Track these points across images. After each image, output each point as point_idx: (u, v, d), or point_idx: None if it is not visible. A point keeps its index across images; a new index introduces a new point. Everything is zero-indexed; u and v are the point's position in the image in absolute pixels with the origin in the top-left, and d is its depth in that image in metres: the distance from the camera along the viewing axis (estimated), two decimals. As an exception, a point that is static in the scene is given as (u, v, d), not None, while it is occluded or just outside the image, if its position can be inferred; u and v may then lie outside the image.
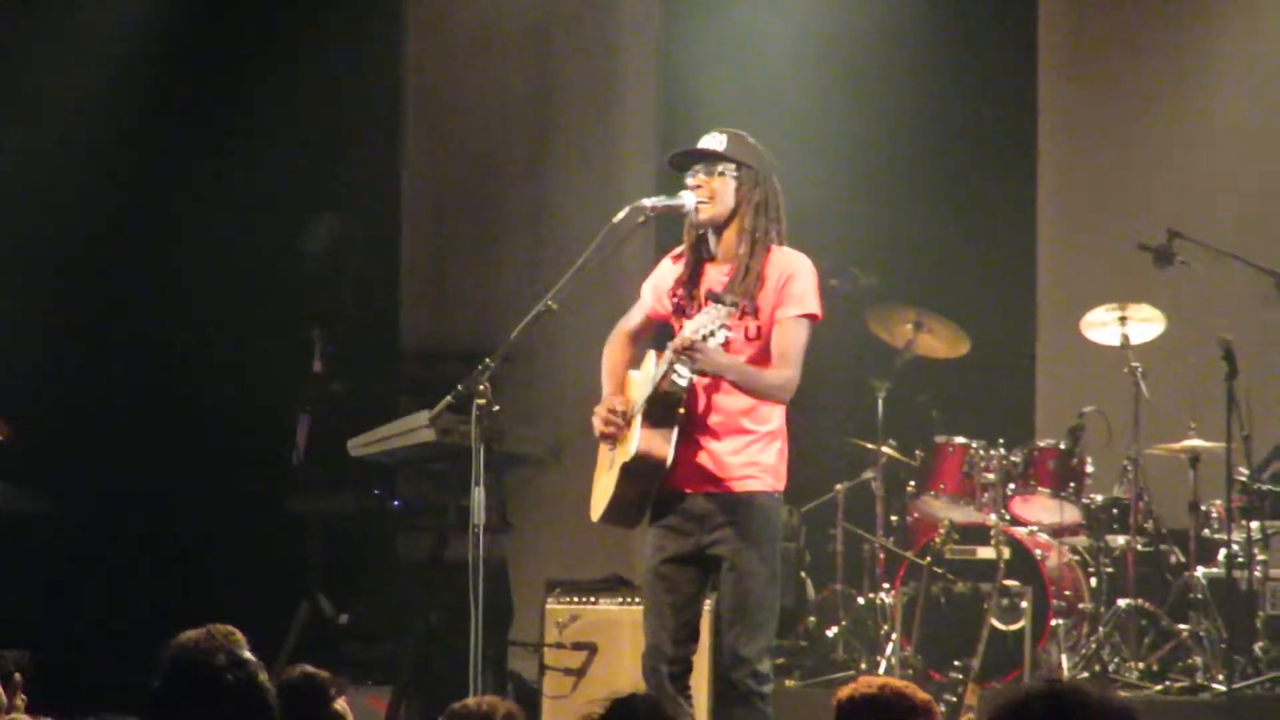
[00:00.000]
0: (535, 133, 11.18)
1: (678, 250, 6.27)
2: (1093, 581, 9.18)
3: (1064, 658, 8.87)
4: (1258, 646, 8.80)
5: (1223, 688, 8.48)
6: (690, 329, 5.77)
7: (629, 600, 8.11)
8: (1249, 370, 8.88)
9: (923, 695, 4.24)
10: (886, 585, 9.36)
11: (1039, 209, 10.86)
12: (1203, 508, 9.16)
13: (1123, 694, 8.21)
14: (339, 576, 9.64)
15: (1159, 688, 8.71)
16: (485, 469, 6.08)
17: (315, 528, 9.66)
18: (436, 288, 11.23)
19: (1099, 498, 9.30)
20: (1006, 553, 8.65)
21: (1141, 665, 8.83)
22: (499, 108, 11.19)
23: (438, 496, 9.07)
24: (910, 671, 8.71)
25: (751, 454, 6.06)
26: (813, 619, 9.60)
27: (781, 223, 6.16)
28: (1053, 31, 10.91)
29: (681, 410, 6.02)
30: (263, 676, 3.64)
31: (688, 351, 5.77)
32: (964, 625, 8.71)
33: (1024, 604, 8.80)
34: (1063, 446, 9.28)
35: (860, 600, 9.51)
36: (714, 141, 6.17)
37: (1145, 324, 9.35)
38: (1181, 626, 8.96)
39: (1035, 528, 9.31)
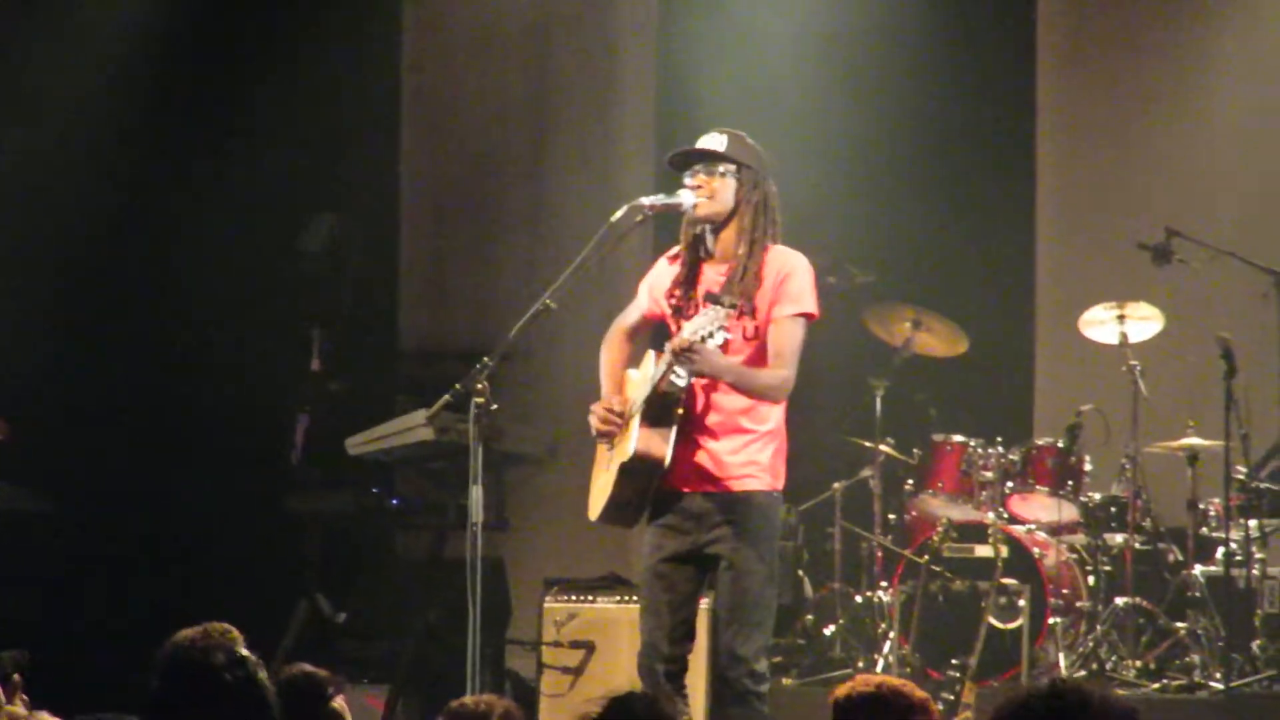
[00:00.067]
0: (534, 132, 11.19)
1: (674, 250, 6.28)
2: (1091, 580, 9.18)
3: (1062, 656, 8.87)
4: (1255, 644, 8.81)
5: (1220, 686, 8.49)
6: (689, 330, 5.78)
7: (627, 599, 8.12)
8: (1247, 369, 8.89)
9: (920, 693, 4.25)
10: (884, 584, 9.37)
11: (1038, 207, 10.86)
12: (1201, 506, 9.16)
13: (1121, 692, 8.22)
14: (337, 575, 9.64)
15: (1157, 686, 8.71)
16: (483, 468, 6.09)
17: (313, 526, 9.66)
18: (435, 287, 11.24)
19: (1097, 496, 9.30)
20: (1004, 551, 8.65)
21: (1139, 663, 8.83)
22: (498, 107, 11.20)
23: (436, 495, 9.08)
24: (908, 670, 8.71)
25: (750, 453, 6.07)
26: (810, 617, 9.61)
27: (777, 224, 6.17)
28: (1052, 31, 10.91)
29: (680, 410, 6.03)
30: (262, 675, 3.65)
31: (685, 353, 5.78)
32: (962, 623, 8.71)
33: (1022, 602, 8.80)
34: (1061, 445, 9.29)
35: (858, 598, 9.51)
36: (714, 141, 6.18)
37: (1144, 322, 9.36)
38: (1179, 625, 8.97)
39: (1033, 526, 9.31)
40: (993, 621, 8.69)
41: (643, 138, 11.02)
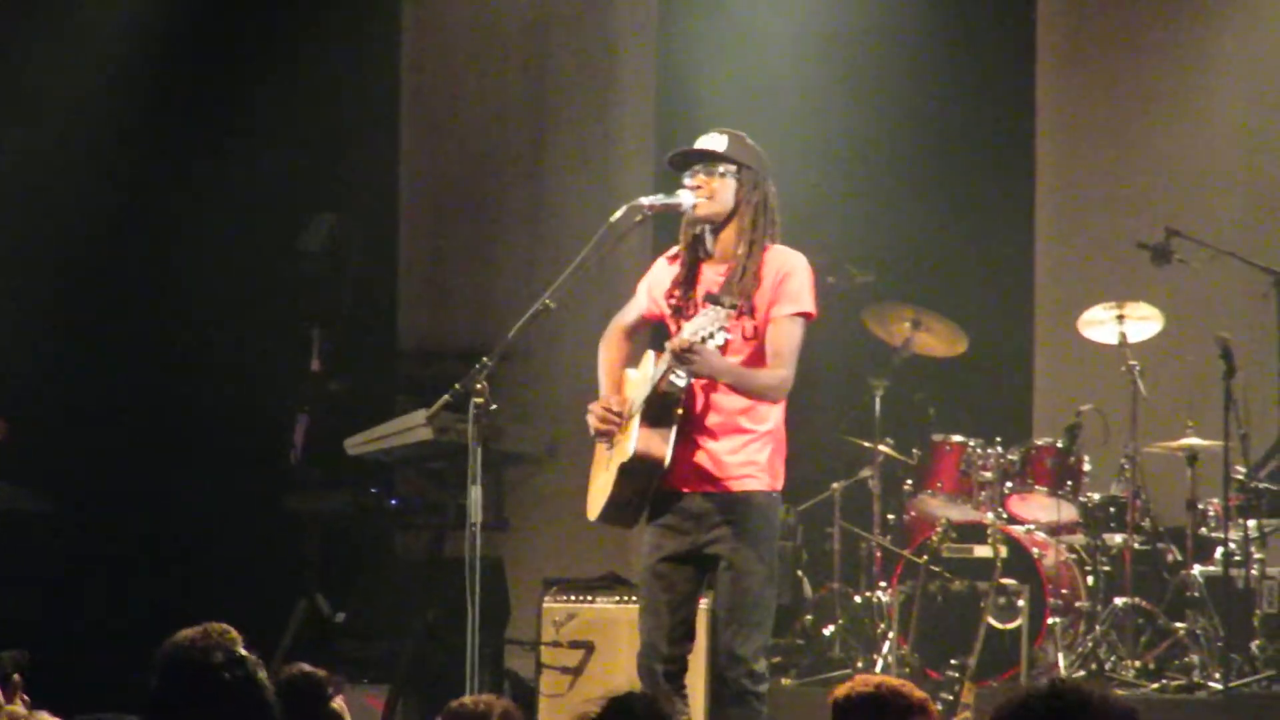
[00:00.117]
0: (534, 132, 11.19)
1: (673, 251, 6.28)
2: (1090, 580, 9.18)
3: (1061, 656, 8.88)
4: (1254, 645, 8.81)
5: (1220, 686, 8.50)
6: (689, 331, 5.78)
7: (626, 599, 8.11)
8: (1246, 368, 8.89)
9: (919, 694, 4.25)
10: (883, 584, 9.37)
11: (1037, 207, 10.86)
12: (1200, 506, 9.17)
13: (1120, 692, 8.22)
14: (336, 575, 9.65)
15: (1156, 686, 8.71)
16: (483, 467, 6.09)
17: (313, 526, 9.66)
18: (435, 287, 11.24)
19: (1096, 496, 9.30)
20: (1004, 551, 8.65)
21: (1138, 663, 8.84)
22: (498, 107, 11.20)
23: (435, 495, 9.08)
24: (907, 670, 8.71)
25: (749, 453, 6.07)
26: (809, 617, 9.61)
27: (777, 224, 6.18)
28: (1051, 31, 10.91)
29: (680, 411, 6.03)
30: (261, 674, 3.65)
31: (685, 354, 5.78)
32: (961, 624, 8.72)
33: (1021, 602, 8.80)
34: (1060, 445, 9.29)
35: (857, 599, 9.51)
36: (714, 142, 6.19)
37: (1143, 322, 9.36)
38: (1178, 625, 8.97)
39: (1032, 526, 9.31)
40: (992, 622, 8.69)
41: (642, 137, 11.02)
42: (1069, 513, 9.33)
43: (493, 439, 6.89)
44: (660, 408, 6.00)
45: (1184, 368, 9.76)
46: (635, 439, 5.99)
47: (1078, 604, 9.09)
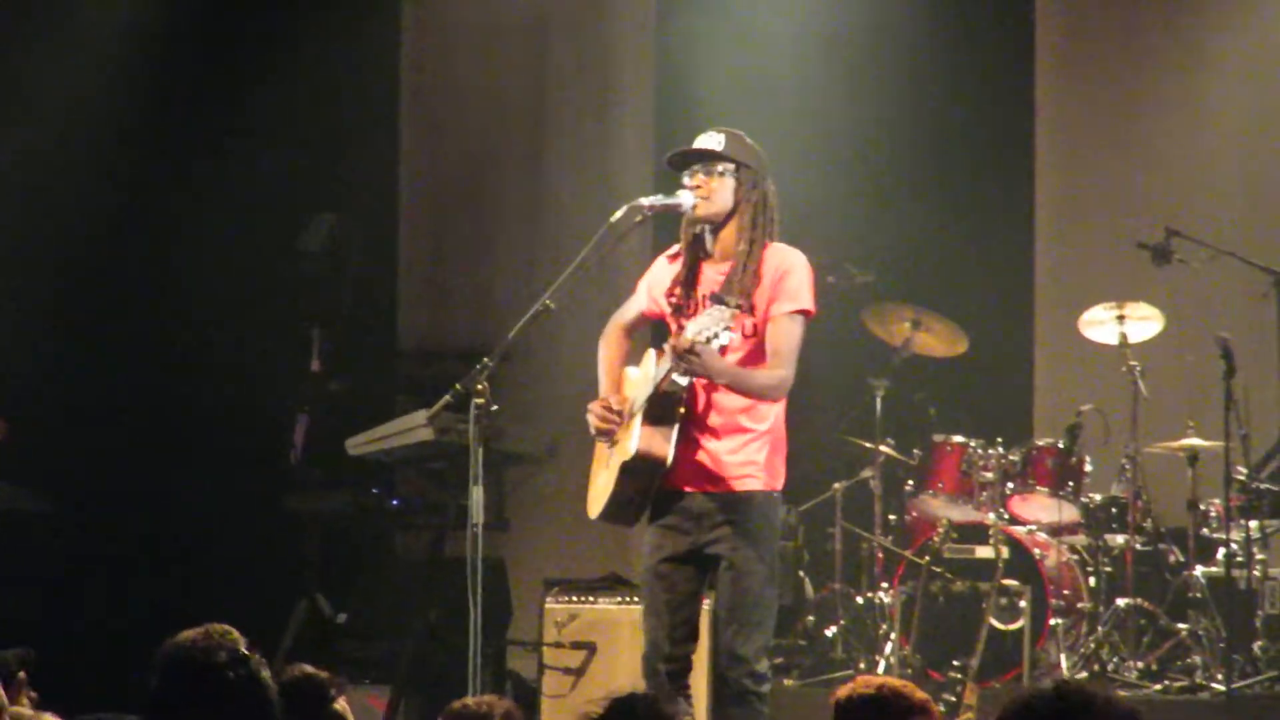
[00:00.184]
0: (533, 132, 11.19)
1: (674, 249, 6.28)
2: (1091, 580, 9.18)
3: (1063, 657, 8.87)
4: (1256, 645, 8.81)
5: (1222, 687, 8.49)
6: (693, 330, 5.77)
7: (628, 599, 8.11)
8: (1247, 369, 8.88)
9: (921, 695, 4.24)
10: (885, 584, 9.36)
11: (1037, 207, 10.86)
12: (1201, 506, 9.16)
13: (1122, 693, 8.21)
14: (337, 575, 9.64)
15: (1158, 687, 8.71)
16: (483, 468, 6.08)
17: (313, 527, 9.66)
18: (435, 287, 11.23)
19: (1097, 496, 9.30)
20: (1005, 552, 8.64)
21: (1140, 664, 8.84)
22: (497, 106, 11.20)
23: (436, 495, 9.07)
24: (909, 671, 8.71)
25: (749, 453, 6.07)
26: (811, 618, 9.60)
27: (776, 222, 6.17)
28: (1050, 31, 10.91)
29: (682, 410, 6.03)
30: (265, 674, 3.64)
31: (685, 355, 5.77)
32: (963, 624, 8.71)
33: (1023, 603, 8.80)
34: (1061, 445, 9.29)
35: (859, 599, 9.51)
36: (712, 141, 6.19)
37: (1143, 322, 9.36)
38: (1180, 626, 8.97)
39: (1034, 527, 9.31)
40: (994, 622, 8.68)
41: (641, 136, 11.02)
42: (1070, 513, 9.32)
43: (494, 439, 6.88)
44: (662, 407, 5.99)
45: (1184, 368, 9.75)
46: (637, 438, 5.99)
47: (1079, 605, 9.08)
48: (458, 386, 6.07)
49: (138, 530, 9.72)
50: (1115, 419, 9.27)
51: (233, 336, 9.91)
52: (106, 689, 6.84)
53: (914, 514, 9.62)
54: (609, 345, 6.39)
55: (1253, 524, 8.91)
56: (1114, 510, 9.27)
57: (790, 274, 6.06)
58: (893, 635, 9.01)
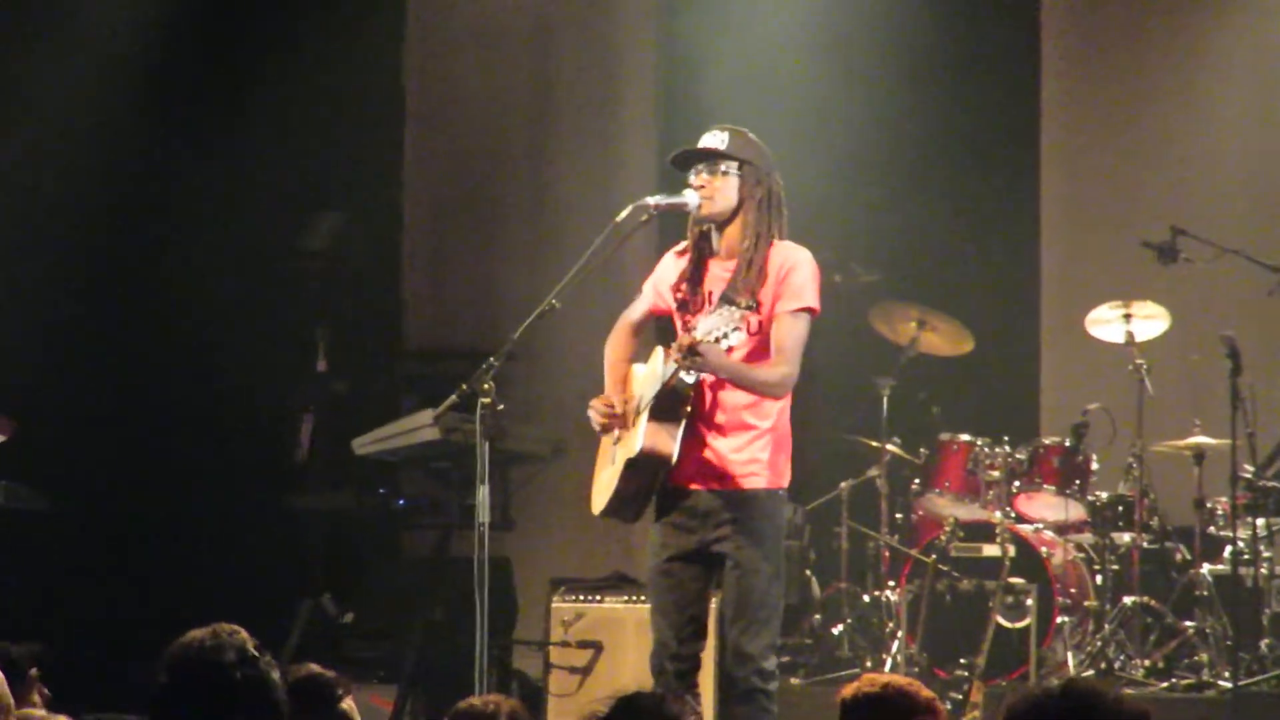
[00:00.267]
0: (537, 130, 11.19)
1: (681, 246, 6.29)
2: (1098, 579, 9.18)
3: (1069, 655, 8.87)
4: (1263, 643, 8.80)
5: (1228, 685, 8.49)
6: (703, 330, 5.78)
7: (634, 598, 8.11)
8: (1253, 367, 8.87)
9: (927, 693, 4.24)
10: (891, 583, 9.36)
11: (1042, 206, 10.85)
12: (1208, 505, 9.15)
13: (1129, 691, 8.21)
14: (343, 575, 9.65)
15: (1164, 685, 8.71)
16: (489, 467, 6.09)
17: (319, 526, 9.67)
18: (438, 286, 11.23)
19: (1104, 495, 9.29)
20: (1011, 550, 8.64)
21: (1147, 662, 8.83)
22: (500, 105, 11.20)
23: (441, 495, 9.08)
24: (915, 669, 8.71)
25: (754, 451, 6.07)
26: (818, 617, 9.60)
27: (783, 218, 6.18)
28: (1056, 29, 10.90)
29: (688, 408, 6.03)
30: (274, 675, 3.64)
31: (689, 355, 5.78)
32: (969, 623, 8.71)
33: (1029, 601, 8.80)
34: (1067, 444, 9.27)
35: (865, 598, 9.51)
36: (715, 139, 6.18)
37: (1149, 321, 9.35)
38: (1187, 624, 8.97)
39: (1040, 525, 9.30)
40: (1000, 621, 8.69)
41: (645, 134, 11.01)
42: (1077, 511, 9.32)
43: (499, 439, 6.89)
44: (669, 404, 6.00)
45: (1190, 366, 9.74)
46: (643, 434, 5.99)
47: (1086, 603, 9.08)
48: (463, 386, 6.07)
49: (143, 530, 9.72)
50: (1121, 417, 9.25)
51: (237, 336, 9.91)
52: (110, 689, 6.86)
53: (920, 513, 9.61)
54: (615, 345, 6.40)
55: (1259, 522, 8.89)
56: (1120, 508, 9.26)
57: (795, 271, 6.06)
58: (899, 634, 9.00)
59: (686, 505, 6.09)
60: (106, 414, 9.75)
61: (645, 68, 11.17)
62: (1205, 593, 8.98)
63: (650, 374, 6.13)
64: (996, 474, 9.28)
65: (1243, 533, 8.90)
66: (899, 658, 8.91)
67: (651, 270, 6.40)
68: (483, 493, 6.05)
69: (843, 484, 9.67)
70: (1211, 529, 9.15)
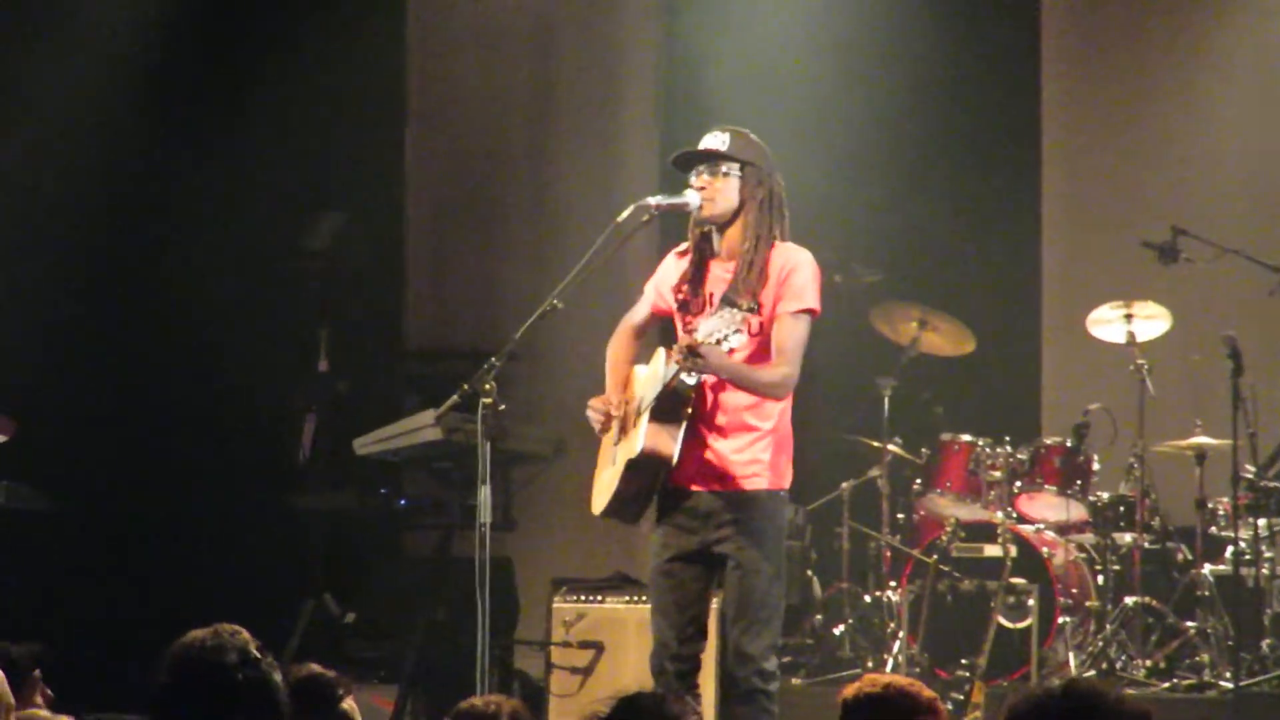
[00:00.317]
0: (539, 130, 11.19)
1: (682, 246, 6.29)
2: (1099, 579, 9.18)
3: (1071, 655, 8.87)
4: (1265, 644, 8.80)
5: (1230, 685, 8.49)
6: (704, 332, 5.78)
7: (635, 599, 8.11)
8: (1254, 367, 8.87)
9: (928, 693, 4.24)
10: (893, 583, 9.36)
11: (1043, 206, 10.85)
12: (1209, 505, 9.15)
13: (1130, 692, 8.21)
14: (345, 575, 9.65)
15: (1166, 685, 8.71)
16: (491, 467, 6.09)
17: (321, 526, 9.67)
18: (440, 286, 11.23)
19: (1105, 495, 9.29)
20: (1013, 550, 8.65)
21: (1148, 663, 8.83)
22: (502, 105, 11.19)
23: (443, 495, 9.08)
24: (916, 669, 8.71)
25: (755, 452, 6.07)
26: (819, 617, 9.60)
27: (785, 219, 6.18)
28: (1057, 29, 10.90)
29: (690, 409, 6.03)
30: (276, 675, 3.64)
31: (690, 356, 5.78)
32: (970, 623, 8.71)
33: (1030, 602, 8.80)
34: (1069, 444, 9.27)
35: (866, 598, 9.51)
36: (716, 140, 6.18)
37: (1150, 321, 9.34)
38: (1188, 624, 8.97)
39: (1041, 525, 9.30)
40: (1001, 621, 8.69)
41: (647, 134, 11.01)
42: (1078, 512, 9.32)
43: (501, 439, 6.88)
44: (670, 405, 6.00)
45: (1192, 366, 9.74)
46: (644, 435, 5.99)
47: (1087, 603, 9.08)
48: (465, 386, 6.08)
49: (143, 530, 9.72)
50: (1123, 417, 9.25)
51: (237, 336, 9.90)
52: (111, 689, 6.86)
53: (921, 513, 9.61)
54: (617, 347, 6.40)
55: (1261, 522, 8.90)
56: (1122, 509, 9.26)
57: (796, 273, 6.06)
58: (900, 634, 9.00)
59: (688, 506, 6.09)
60: (107, 414, 9.74)
61: (646, 68, 11.17)
62: (1207, 593, 8.97)
63: (651, 375, 6.14)
64: (998, 474, 9.28)
65: (1244, 533, 8.90)
66: (900, 658, 8.91)
67: (653, 271, 6.40)
68: (484, 493, 6.05)
69: (844, 484, 9.67)
70: (1213, 529, 9.15)
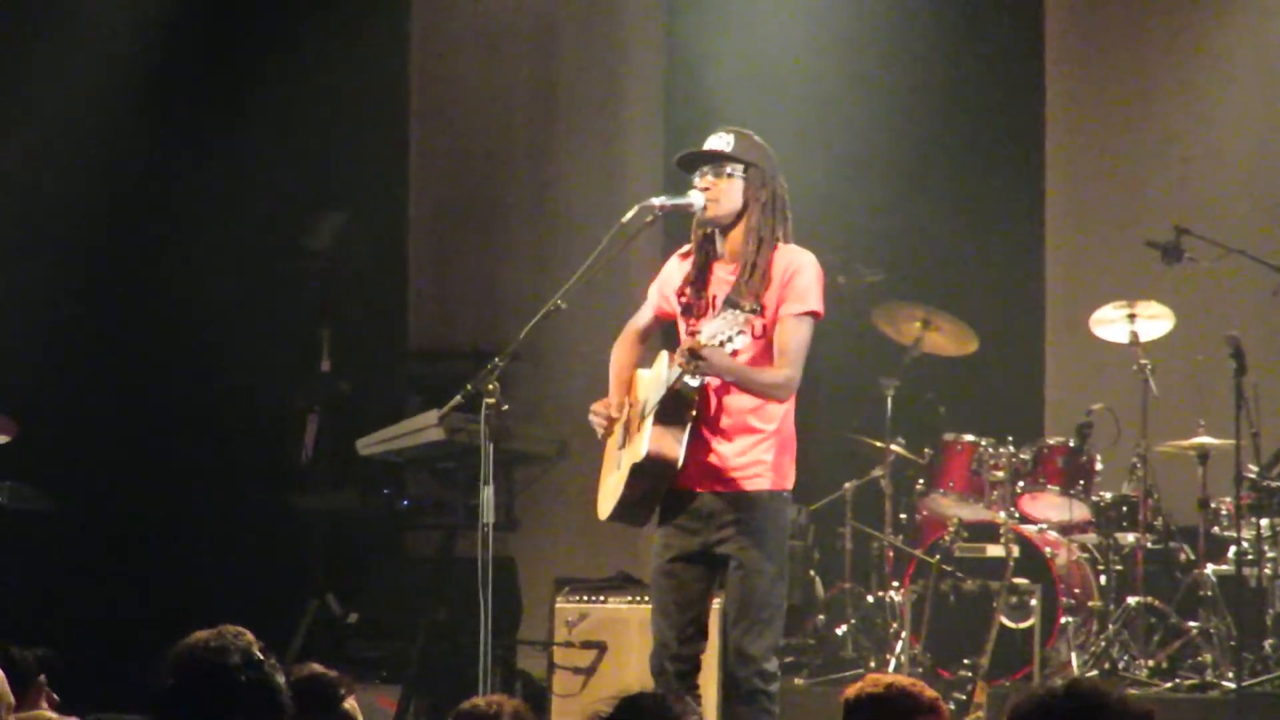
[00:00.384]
0: (542, 130, 11.19)
1: (685, 248, 6.28)
2: (1102, 579, 9.18)
3: (1073, 655, 8.86)
4: (1267, 644, 8.80)
5: (1232, 685, 8.48)
6: (707, 334, 5.77)
7: (638, 598, 8.10)
8: (1257, 367, 8.87)
9: (930, 693, 4.23)
10: (895, 583, 9.36)
11: (1046, 206, 10.85)
12: (1212, 505, 9.15)
13: (1132, 691, 8.20)
14: (347, 575, 9.64)
15: (1168, 685, 8.70)
16: (493, 467, 6.09)
17: (323, 527, 9.67)
18: (442, 286, 11.23)
19: (1108, 495, 9.29)
20: (1015, 550, 8.65)
21: (1151, 663, 8.83)
22: (505, 105, 11.19)
23: (445, 495, 9.08)
24: (919, 669, 8.72)
25: (758, 453, 6.06)
26: (821, 617, 9.60)
27: (788, 221, 6.17)
28: (1060, 29, 10.90)
29: (693, 411, 6.03)
30: (278, 677, 3.64)
31: (692, 359, 5.78)
32: (973, 623, 8.71)
33: (1033, 602, 8.80)
34: (1071, 444, 9.27)
35: (869, 598, 9.51)
36: (721, 142, 6.18)
37: (1154, 321, 9.34)
38: (1191, 624, 8.96)
39: (1044, 525, 9.30)
40: (1004, 621, 8.68)
41: (650, 134, 11.01)
42: (1081, 512, 9.31)
43: (504, 439, 6.87)
44: (674, 408, 5.99)
45: (1195, 366, 9.73)
46: (648, 438, 5.98)
47: (1090, 603, 9.08)
48: (468, 386, 6.08)
49: (145, 530, 9.72)
50: (1126, 417, 9.25)
51: (238, 336, 9.90)
52: (112, 689, 6.85)
53: (924, 513, 9.62)
54: (621, 351, 6.40)
55: (1263, 522, 8.90)
56: (1124, 509, 9.26)
57: (799, 275, 6.06)
58: (903, 634, 9.00)
59: (690, 507, 6.09)
60: (108, 414, 9.74)
61: (648, 67, 11.16)
62: (1209, 593, 8.97)
63: (655, 378, 6.13)
64: (1000, 474, 9.29)
65: (1247, 533, 8.90)
66: (903, 658, 8.91)
67: (656, 272, 6.40)
68: (487, 493, 6.05)
69: (847, 484, 9.67)
70: (1215, 529, 9.15)
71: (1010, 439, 9.39)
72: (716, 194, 6.11)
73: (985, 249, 10.61)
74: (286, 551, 9.69)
